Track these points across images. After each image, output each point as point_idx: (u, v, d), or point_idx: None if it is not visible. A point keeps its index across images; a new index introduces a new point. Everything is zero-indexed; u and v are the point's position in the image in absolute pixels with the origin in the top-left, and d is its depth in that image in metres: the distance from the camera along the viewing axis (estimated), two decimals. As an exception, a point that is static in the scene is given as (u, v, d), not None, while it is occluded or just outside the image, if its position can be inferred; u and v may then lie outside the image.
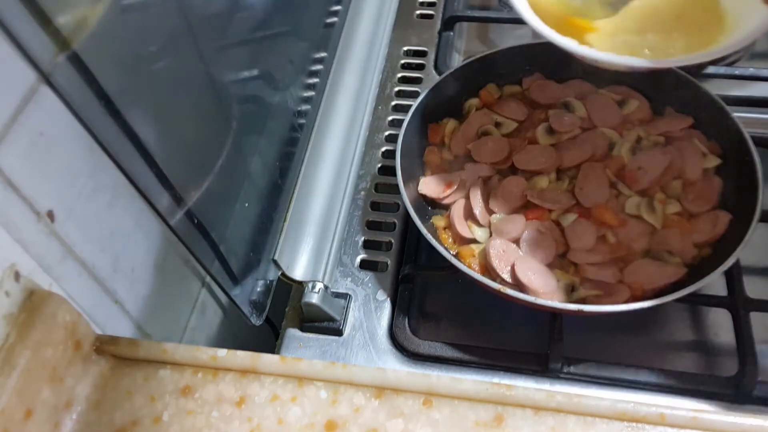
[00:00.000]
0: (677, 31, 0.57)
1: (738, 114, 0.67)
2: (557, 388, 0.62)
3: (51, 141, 0.46)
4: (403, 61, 0.93)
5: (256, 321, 0.64)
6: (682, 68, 0.72)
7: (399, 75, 0.91)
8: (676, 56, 0.56)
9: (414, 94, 0.88)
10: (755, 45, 0.90)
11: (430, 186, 0.70)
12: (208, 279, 0.75)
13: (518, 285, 0.61)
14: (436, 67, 0.91)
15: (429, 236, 0.62)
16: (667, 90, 0.73)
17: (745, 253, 0.59)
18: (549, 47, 0.77)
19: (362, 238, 0.75)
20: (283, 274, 0.67)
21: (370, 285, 0.71)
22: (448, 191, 0.69)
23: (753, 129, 0.68)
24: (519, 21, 0.93)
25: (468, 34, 0.98)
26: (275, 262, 0.67)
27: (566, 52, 0.59)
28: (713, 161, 0.68)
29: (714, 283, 0.58)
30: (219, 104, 0.63)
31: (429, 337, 0.66)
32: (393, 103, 0.88)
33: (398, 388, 0.50)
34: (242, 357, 0.51)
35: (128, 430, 0.49)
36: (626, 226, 0.64)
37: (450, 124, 0.76)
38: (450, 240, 0.67)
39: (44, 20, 0.40)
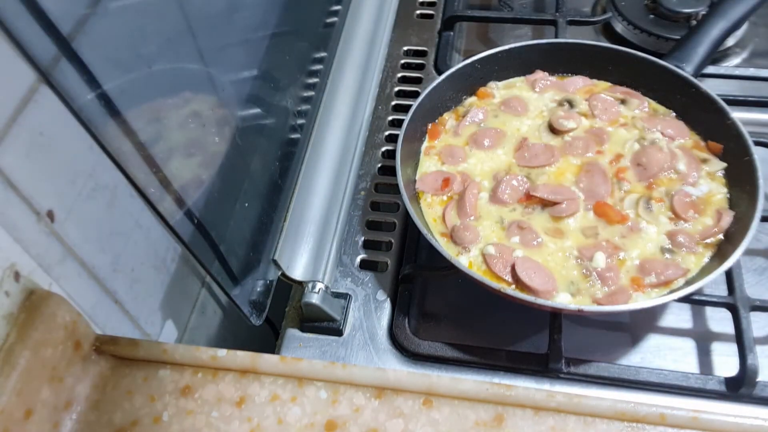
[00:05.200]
0: None
1: (738, 114, 0.67)
2: (557, 388, 0.62)
3: (51, 141, 0.46)
4: (403, 61, 0.93)
5: (256, 321, 0.64)
6: (680, 68, 0.72)
7: (399, 75, 0.91)
8: None
9: (414, 94, 0.88)
10: (755, 45, 0.90)
11: (427, 183, 0.70)
12: (208, 279, 0.75)
13: (519, 284, 0.61)
14: (436, 67, 0.91)
15: (429, 236, 0.62)
16: (668, 90, 0.73)
17: (745, 253, 0.58)
18: (549, 48, 0.78)
19: (362, 238, 0.75)
20: (283, 274, 0.67)
21: (370, 285, 0.71)
22: (446, 189, 0.69)
23: (753, 129, 0.68)
24: (519, 21, 0.94)
25: (468, 34, 0.98)
26: (275, 262, 0.67)
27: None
28: (717, 165, 0.68)
29: (714, 283, 0.58)
30: (219, 104, 0.63)
31: (429, 337, 0.66)
32: (393, 103, 0.88)
33: (398, 388, 0.50)
34: (242, 357, 0.51)
35: (128, 430, 0.49)
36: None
37: (450, 121, 0.76)
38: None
39: (44, 20, 0.40)
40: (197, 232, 0.56)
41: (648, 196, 0.66)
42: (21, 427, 0.43)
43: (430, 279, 0.71)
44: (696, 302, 0.65)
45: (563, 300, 0.60)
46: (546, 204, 0.66)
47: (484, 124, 0.75)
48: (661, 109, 0.74)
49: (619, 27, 0.91)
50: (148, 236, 0.61)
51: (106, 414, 0.49)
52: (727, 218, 0.63)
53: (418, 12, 1.00)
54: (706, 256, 0.62)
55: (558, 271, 0.62)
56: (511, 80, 0.79)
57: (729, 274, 0.64)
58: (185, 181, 0.55)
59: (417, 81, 0.90)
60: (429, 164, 0.72)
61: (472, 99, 0.78)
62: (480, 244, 0.65)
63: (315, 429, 0.49)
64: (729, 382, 0.60)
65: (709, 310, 0.67)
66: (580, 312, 0.58)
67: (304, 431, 0.48)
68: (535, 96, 0.77)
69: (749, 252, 0.70)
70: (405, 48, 0.94)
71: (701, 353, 0.65)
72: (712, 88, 0.70)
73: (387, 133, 0.85)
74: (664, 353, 0.65)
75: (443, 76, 0.75)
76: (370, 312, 0.69)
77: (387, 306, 0.69)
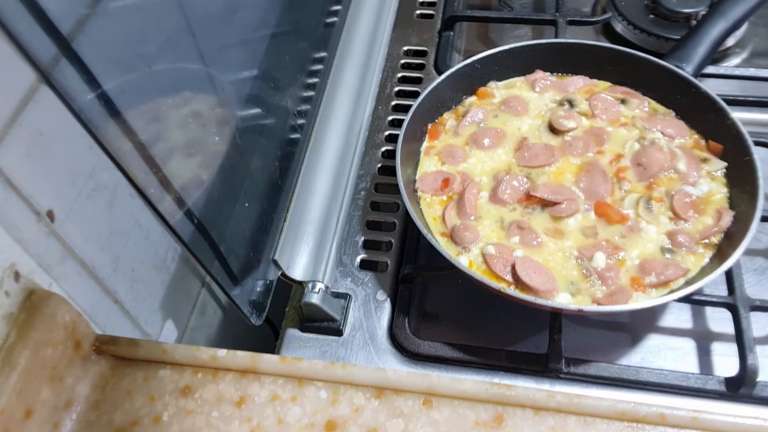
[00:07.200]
0: None
1: (738, 114, 0.67)
2: (557, 388, 0.62)
3: (51, 141, 0.46)
4: (403, 61, 0.93)
5: (256, 321, 0.64)
6: (680, 67, 0.72)
7: (399, 75, 0.91)
8: None
9: (414, 94, 0.88)
10: (755, 45, 0.90)
11: (427, 183, 0.70)
12: (208, 279, 0.75)
13: (519, 284, 0.61)
14: (436, 67, 0.91)
15: (429, 236, 0.62)
16: (668, 90, 0.73)
17: (745, 253, 0.59)
18: (549, 48, 0.78)
19: (362, 238, 0.75)
20: (283, 274, 0.67)
21: (370, 285, 0.71)
22: (446, 189, 0.69)
23: (753, 129, 0.68)
24: (519, 21, 0.94)
25: (468, 34, 0.98)
26: (275, 262, 0.67)
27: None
28: (717, 165, 0.68)
29: (714, 283, 0.58)
30: (219, 104, 0.63)
31: (429, 337, 0.66)
32: (393, 103, 0.88)
33: (398, 388, 0.50)
34: (242, 357, 0.51)
35: (128, 430, 0.49)
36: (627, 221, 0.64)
37: (450, 121, 0.76)
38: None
39: (44, 20, 0.40)
40: (197, 232, 0.56)
41: (648, 196, 0.66)
42: (21, 427, 0.43)
43: (430, 279, 0.71)
44: (696, 302, 0.65)
45: (563, 300, 0.60)
46: (546, 204, 0.66)
47: (484, 124, 0.75)
48: (661, 108, 0.74)
49: (619, 27, 0.91)
50: (148, 236, 0.61)
51: (106, 414, 0.49)
52: (727, 218, 0.63)
53: (418, 12, 1.00)
54: (706, 256, 0.62)
55: (558, 271, 0.62)
56: (511, 80, 0.79)
57: (729, 274, 0.64)
58: (185, 181, 0.55)
59: (417, 81, 0.90)
60: (429, 164, 0.72)
61: (472, 99, 0.78)
62: (480, 243, 0.65)
63: (315, 429, 0.49)
64: (729, 382, 0.60)
65: (709, 310, 0.67)
66: (580, 312, 0.58)
67: (304, 431, 0.48)
68: (535, 96, 0.77)
69: (749, 252, 0.70)
70: (405, 48, 0.94)
71: (701, 353, 0.65)
72: (712, 88, 0.70)
73: (387, 133, 0.85)
74: (664, 353, 0.65)
75: (443, 76, 0.75)
76: (370, 312, 0.69)
77: (387, 306, 0.69)
